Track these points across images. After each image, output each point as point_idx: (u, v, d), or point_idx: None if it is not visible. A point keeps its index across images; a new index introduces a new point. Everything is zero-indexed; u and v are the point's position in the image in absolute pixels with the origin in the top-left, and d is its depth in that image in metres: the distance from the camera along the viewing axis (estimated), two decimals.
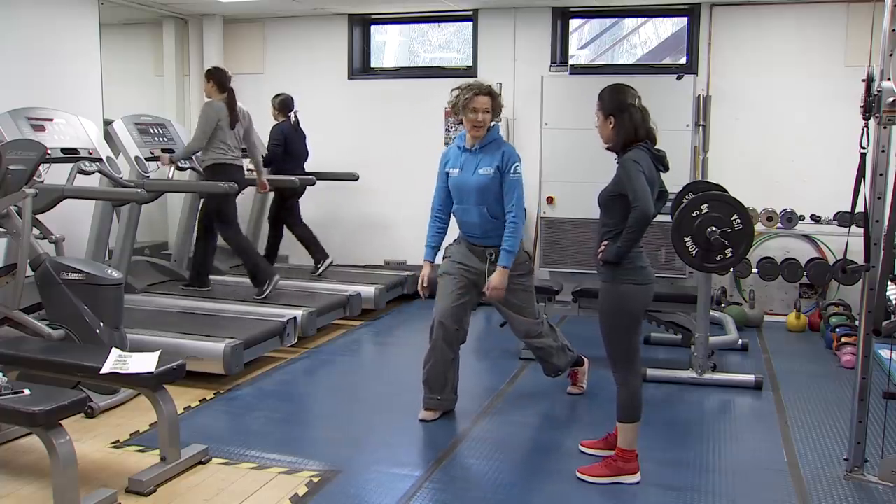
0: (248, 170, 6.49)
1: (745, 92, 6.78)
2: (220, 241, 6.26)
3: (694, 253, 4.31)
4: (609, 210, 3.49)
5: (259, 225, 7.47)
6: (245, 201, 6.75)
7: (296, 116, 7.04)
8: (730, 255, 4.28)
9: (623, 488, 3.47)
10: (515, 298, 4.29)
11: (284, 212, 7.07)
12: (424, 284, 4.28)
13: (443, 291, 4.23)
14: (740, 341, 5.64)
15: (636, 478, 3.52)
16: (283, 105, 6.99)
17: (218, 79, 6.01)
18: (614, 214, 3.46)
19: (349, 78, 7.83)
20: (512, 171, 4.09)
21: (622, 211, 3.39)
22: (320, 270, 6.98)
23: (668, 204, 4.21)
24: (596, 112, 3.54)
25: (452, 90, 4.16)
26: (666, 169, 3.56)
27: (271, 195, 7.07)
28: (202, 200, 6.37)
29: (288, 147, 6.91)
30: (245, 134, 6.19)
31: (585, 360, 4.73)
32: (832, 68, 6.51)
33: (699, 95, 6.61)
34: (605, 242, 3.47)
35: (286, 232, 7.16)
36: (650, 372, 4.87)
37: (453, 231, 4.39)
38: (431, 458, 3.80)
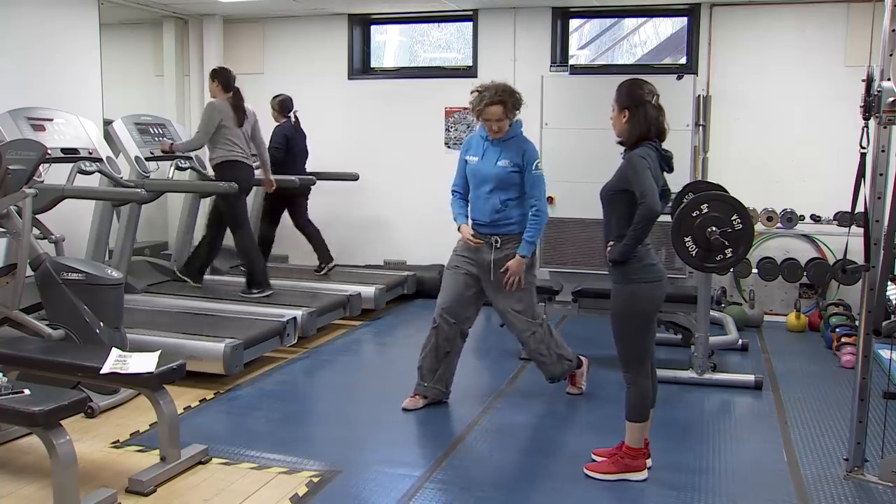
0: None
1: (745, 92, 6.78)
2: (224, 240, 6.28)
3: (694, 253, 4.30)
4: (611, 206, 3.48)
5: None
6: (249, 201, 6.71)
7: (296, 116, 7.02)
8: (730, 255, 4.27)
9: (624, 488, 3.47)
10: (517, 294, 4.31)
11: (267, 212, 7.04)
12: (469, 235, 4.30)
13: (446, 285, 4.39)
14: (740, 341, 5.63)
15: (643, 475, 3.53)
16: (283, 106, 6.96)
17: (223, 78, 6.01)
18: (616, 210, 3.44)
19: (349, 78, 7.82)
20: (534, 168, 4.24)
21: (626, 207, 3.37)
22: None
23: (669, 204, 4.22)
24: (612, 103, 3.51)
25: (472, 91, 4.27)
26: (670, 170, 3.55)
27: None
28: (214, 200, 6.37)
29: (290, 149, 6.88)
30: (252, 133, 6.18)
31: (584, 360, 4.71)
32: (832, 68, 6.52)
33: (699, 95, 6.61)
34: (612, 243, 3.46)
35: (291, 233, 7.15)
36: None
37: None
38: (431, 458, 3.80)
